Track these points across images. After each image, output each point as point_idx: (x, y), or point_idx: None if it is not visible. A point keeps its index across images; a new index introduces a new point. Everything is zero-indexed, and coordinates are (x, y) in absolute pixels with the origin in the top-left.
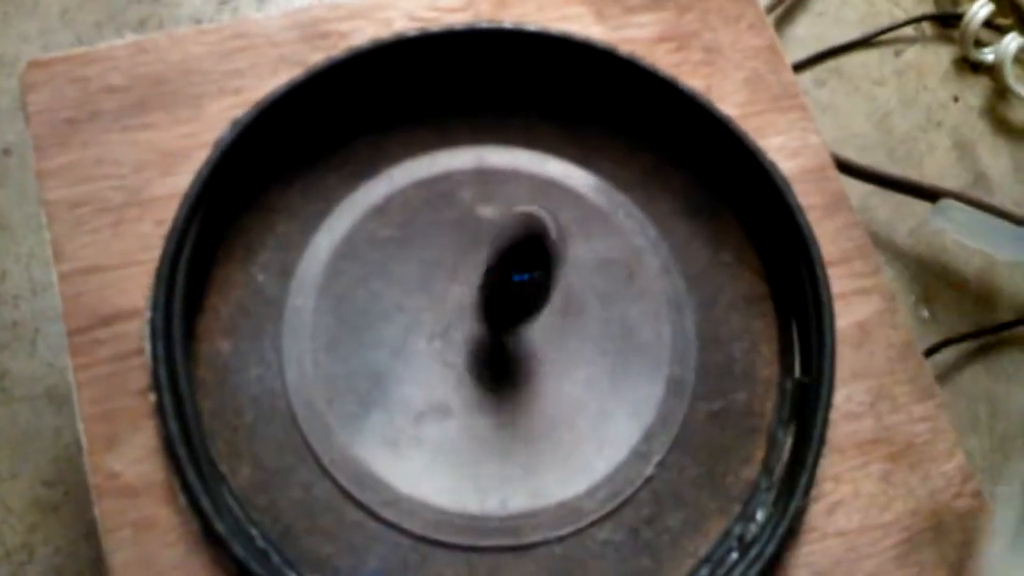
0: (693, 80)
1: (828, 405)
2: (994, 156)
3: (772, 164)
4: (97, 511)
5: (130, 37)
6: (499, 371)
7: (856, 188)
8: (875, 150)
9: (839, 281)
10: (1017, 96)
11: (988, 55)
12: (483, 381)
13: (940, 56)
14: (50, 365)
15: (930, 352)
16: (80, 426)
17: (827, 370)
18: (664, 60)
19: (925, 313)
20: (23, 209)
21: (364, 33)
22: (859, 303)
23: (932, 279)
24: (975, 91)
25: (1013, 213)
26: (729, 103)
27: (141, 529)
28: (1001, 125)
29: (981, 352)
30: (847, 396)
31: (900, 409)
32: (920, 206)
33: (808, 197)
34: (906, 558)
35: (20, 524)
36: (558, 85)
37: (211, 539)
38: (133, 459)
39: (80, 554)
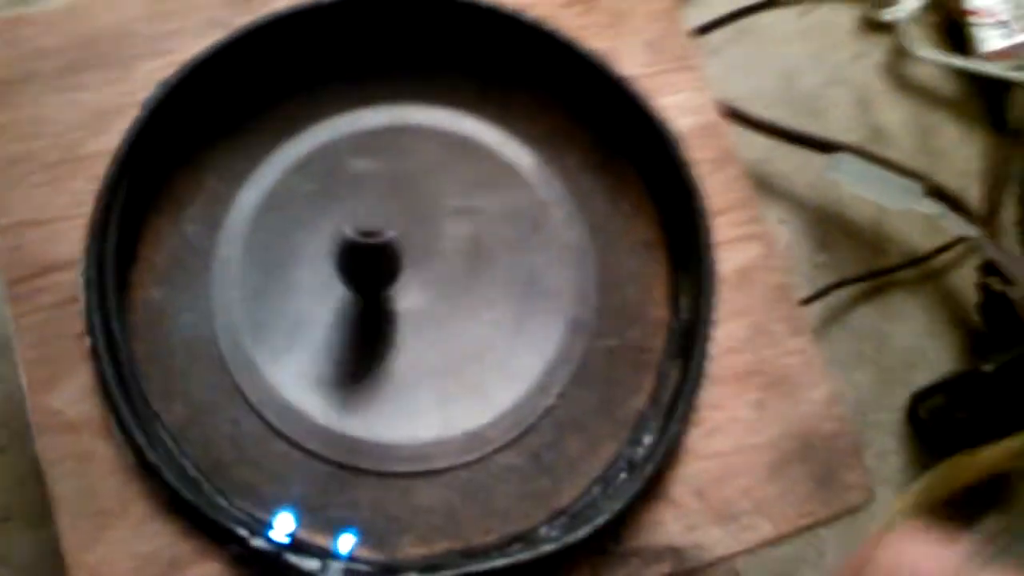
0: (598, 42)
1: (707, 342)
2: (892, 111)
3: (663, 121)
4: (38, 446)
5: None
6: (412, 315)
7: (759, 142)
8: (781, 106)
9: (725, 229)
10: (914, 55)
11: (888, 15)
12: (398, 324)
13: (845, 15)
14: None
15: (823, 293)
16: (21, 369)
17: (707, 311)
18: (571, 23)
19: (822, 258)
20: None
21: None
22: (742, 248)
23: (829, 227)
24: (877, 49)
25: (904, 166)
26: (632, 64)
27: (81, 461)
28: (900, 81)
29: (872, 293)
30: (728, 333)
31: (776, 343)
32: (819, 159)
33: (699, 152)
34: (777, 474)
35: None
36: (473, 47)
37: (145, 469)
38: (72, 398)
39: (27, 491)
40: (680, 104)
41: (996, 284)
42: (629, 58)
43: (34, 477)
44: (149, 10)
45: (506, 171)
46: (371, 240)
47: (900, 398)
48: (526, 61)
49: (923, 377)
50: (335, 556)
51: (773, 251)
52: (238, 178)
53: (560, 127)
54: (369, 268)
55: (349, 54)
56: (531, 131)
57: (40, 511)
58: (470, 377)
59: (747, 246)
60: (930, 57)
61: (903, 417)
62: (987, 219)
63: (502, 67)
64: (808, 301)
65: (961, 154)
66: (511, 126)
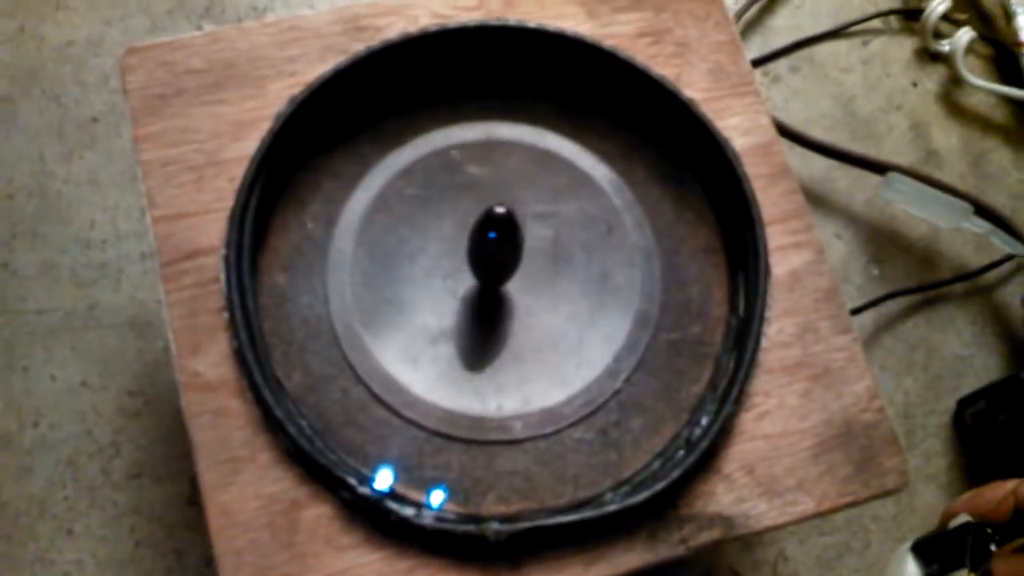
0: (666, 69)
1: (760, 337)
2: (946, 136)
3: (725, 140)
4: (183, 402)
5: (197, 23)
6: (499, 305)
7: (820, 162)
8: (840, 129)
9: (778, 237)
10: (968, 83)
11: (945, 46)
12: (486, 312)
13: (903, 46)
14: (132, 298)
15: (875, 303)
16: (170, 336)
17: (760, 309)
18: (642, 52)
19: (875, 271)
20: (110, 168)
21: (395, 27)
22: (793, 254)
23: (883, 242)
24: (932, 78)
25: (954, 187)
26: (695, 89)
27: (218, 416)
28: (954, 108)
29: (923, 305)
30: (779, 329)
31: (822, 340)
32: (875, 179)
33: (756, 168)
34: (818, 457)
35: (109, 427)
36: (555, 72)
37: (272, 424)
38: (212, 363)
39: (157, 452)
40: (739, 125)
41: None
42: (693, 84)
43: (163, 440)
44: (277, 38)
45: (582, 181)
46: (506, 210)
47: (947, 403)
48: (601, 85)
49: (970, 385)
50: (428, 507)
51: (822, 257)
52: (351, 182)
53: (630, 144)
54: (502, 238)
55: (446, 76)
56: (604, 147)
57: (168, 469)
58: (547, 362)
59: (798, 252)
60: (983, 86)
61: (949, 421)
62: None
63: (579, 90)
64: (861, 310)
65: (1012, 177)
66: (586, 142)
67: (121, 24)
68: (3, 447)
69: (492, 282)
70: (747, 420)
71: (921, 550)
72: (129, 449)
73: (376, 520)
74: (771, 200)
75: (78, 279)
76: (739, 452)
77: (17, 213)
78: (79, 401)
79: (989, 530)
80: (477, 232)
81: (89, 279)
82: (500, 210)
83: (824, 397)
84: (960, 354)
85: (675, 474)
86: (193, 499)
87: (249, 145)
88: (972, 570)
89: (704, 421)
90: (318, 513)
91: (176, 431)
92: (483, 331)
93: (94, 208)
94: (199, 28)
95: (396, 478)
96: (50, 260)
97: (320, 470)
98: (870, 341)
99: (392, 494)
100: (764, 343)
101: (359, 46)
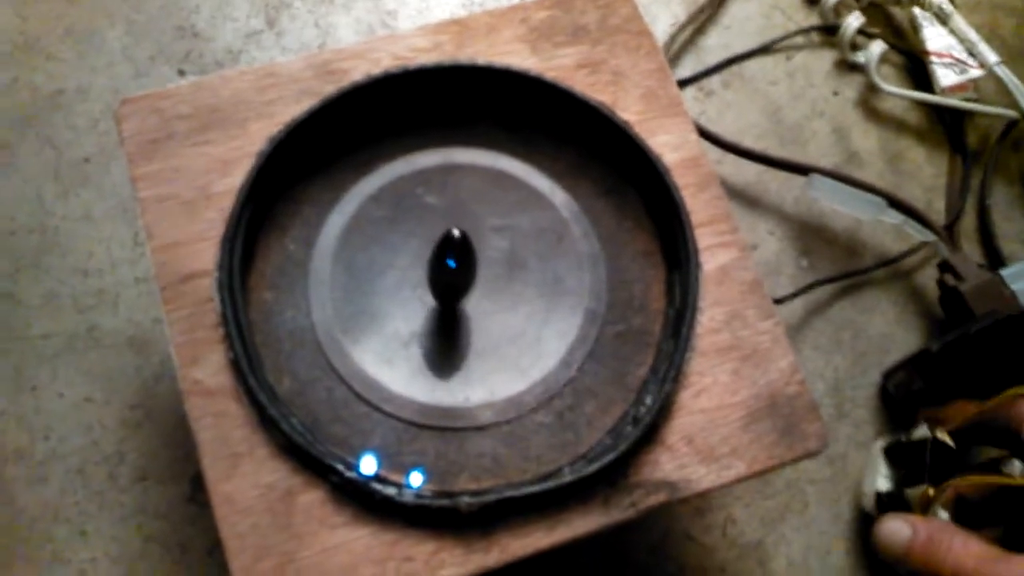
0: (602, 96)
1: (693, 324)
2: (865, 138)
3: (657, 156)
4: (186, 407)
5: (177, 67)
6: (465, 310)
7: (752, 168)
8: (769, 137)
9: (706, 238)
10: (882, 90)
11: (860, 57)
12: (452, 316)
13: (823, 59)
14: (129, 320)
15: (804, 291)
16: (172, 350)
17: (693, 300)
18: (581, 82)
19: (805, 262)
20: (102, 204)
21: (360, 70)
22: (721, 253)
23: (811, 236)
24: (851, 86)
25: (869, 183)
26: (629, 112)
27: (218, 418)
28: (871, 113)
29: (849, 291)
30: (711, 317)
31: (748, 326)
32: (802, 180)
33: (684, 178)
34: (748, 426)
35: (113, 437)
36: (506, 102)
37: (265, 422)
38: (210, 372)
39: (158, 457)
40: (669, 142)
41: (950, 280)
42: (628, 107)
43: (163, 446)
44: (256, 84)
45: (534, 197)
46: (462, 232)
47: (873, 377)
48: (547, 112)
49: (893, 359)
50: (408, 487)
51: (746, 254)
52: (326, 207)
53: (575, 162)
54: (459, 257)
55: (409, 110)
56: (552, 166)
57: (169, 472)
58: (509, 356)
59: (725, 250)
60: (896, 92)
61: (876, 392)
62: (949, 227)
63: (528, 117)
64: (792, 297)
65: (926, 173)
66: (537, 162)
67: (107, 71)
68: (18, 460)
69: (449, 300)
70: (685, 397)
71: (891, 454)
72: (132, 456)
73: (363, 501)
74: (699, 206)
75: (79, 305)
76: (679, 425)
77: (20, 248)
78: (85, 415)
79: (950, 443)
80: (436, 254)
81: (88, 305)
82: (456, 233)
83: (752, 374)
84: (883, 332)
85: (623, 447)
86: (193, 498)
87: (235, 180)
88: (933, 485)
89: (648, 400)
90: (311, 498)
91: (175, 438)
92: (450, 334)
93: (90, 240)
94: (180, 72)
95: (379, 464)
96: (52, 289)
97: (311, 460)
98: (802, 325)
99: (376, 477)
100: (698, 330)
101: (329, 88)
